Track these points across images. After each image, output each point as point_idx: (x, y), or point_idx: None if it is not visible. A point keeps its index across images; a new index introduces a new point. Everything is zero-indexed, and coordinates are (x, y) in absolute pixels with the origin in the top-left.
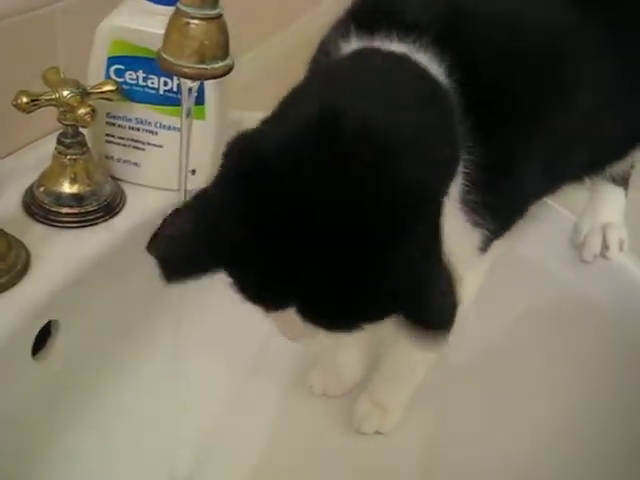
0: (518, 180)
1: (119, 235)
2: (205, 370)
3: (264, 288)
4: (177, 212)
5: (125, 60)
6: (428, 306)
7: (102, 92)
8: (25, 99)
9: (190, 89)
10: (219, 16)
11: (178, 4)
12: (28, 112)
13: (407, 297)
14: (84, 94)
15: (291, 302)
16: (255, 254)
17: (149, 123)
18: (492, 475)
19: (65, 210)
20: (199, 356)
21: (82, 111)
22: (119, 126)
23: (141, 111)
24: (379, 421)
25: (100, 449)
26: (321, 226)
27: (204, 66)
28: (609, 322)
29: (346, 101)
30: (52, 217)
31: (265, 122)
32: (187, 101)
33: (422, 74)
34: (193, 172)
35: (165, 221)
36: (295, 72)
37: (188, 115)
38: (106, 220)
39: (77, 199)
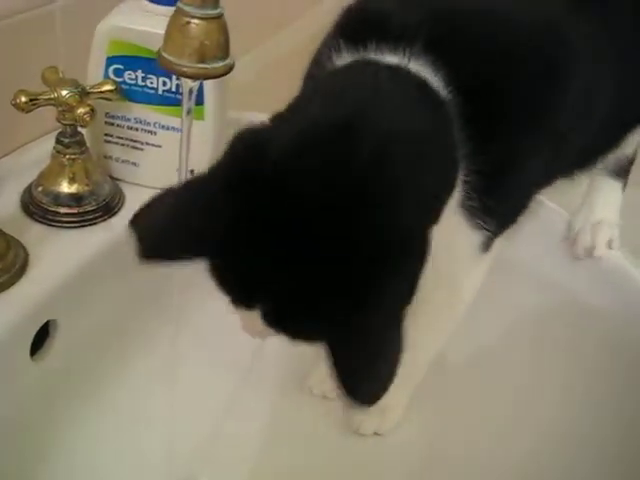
0: (518, 181)
1: (118, 235)
2: (203, 370)
3: (237, 284)
4: (168, 192)
5: (124, 60)
6: (360, 377)
7: (101, 92)
8: (24, 98)
9: (191, 89)
10: (220, 16)
11: (179, 4)
12: (27, 111)
13: (348, 350)
14: (83, 94)
15: (258, 304)
16: (236, 250)
17: (148, 123)
18: (492, 475)
19: (64, 210)
20: (197, 356)
21: (81, 110)
22: (118, 126)
23: (140, 111)
24: (378, 422)
25: (98, 449)
26: (306, 239)
27: (205, 66)
28: (607, 323)
29: (359, 119)
30: (50, 217)
31: (273, 121)
32: (188, 101)
33: (420, 87)
34: (192, 172)
35: (154, 198)
36: (295, 73)
37: (188, 114)
38: (105, 220)
39: (76, 199)
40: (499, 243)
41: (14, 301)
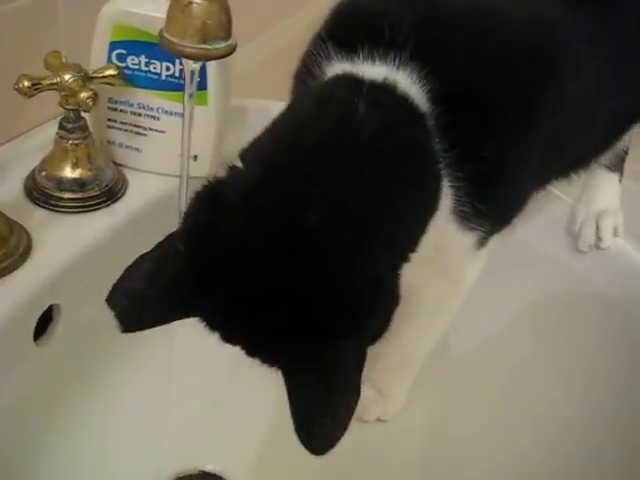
0: (509, 186)
1: (121, 220)
2: (207, 354)
3: (216, 331)
4: (137, 262)
5: (127, 45)
6: (314, 417)
7: (104, 77)
8: (27, 83)
9: (193, 70)
10: None
11: None
12: (30, 96)
13: (305, 386)
14: (86, 78)
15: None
16: (207, 307)
17: (151, 108)
18: (494, 462)
19: (67, 195)
20: (200, 341)
21: (84, 95)
22: (121, 111)
23: (143, 96)
24: (381, 409)
25: (101, 434)
26: (267, 292)
27: (206, 46)
28: (611, 309)
29: (315, 182)
30: (54, 202)
31: (241, 161)
32: (190, 82)
33: (399, 108)
34: (195, 158)
35: (128, 268)
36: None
37: (191, 97)
38: (108, 205)
39: (79, 184)
40: (496, 238)
41: (17, 285)
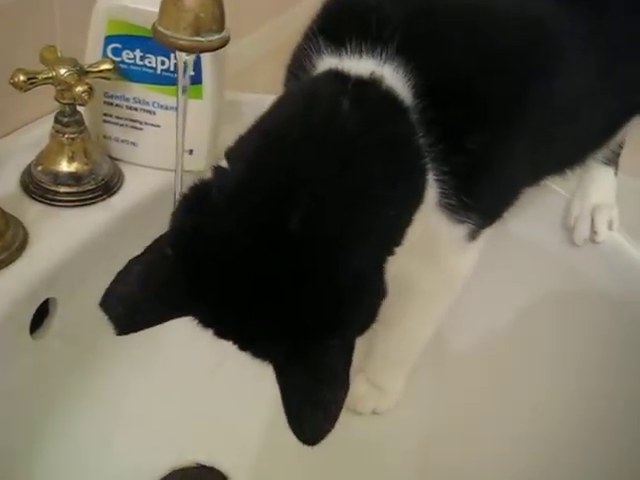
0: (496, 180)
1: (116, 214)
2: (205, 347)
3: (209, 327)
4: (128, 266)
5: (122, 39)
6: (306, 408)
7: (99, 71)
8: (22, 77)
9: (185, 63)
10: None
11: None
12: (25, 90)
13: (295, 379)
14: (81, 73)
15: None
16: (198, 306)
17: (146, 103)
18: (490, 455)
19: (63, 189)
20: (197, 337)
21: (79, 89)
22: (117, 106)
23: (138, 90)
24: (376, 401)
25: (98, 426)
26: (256, 289)
27: (199, 39)
28: (606, 303)
29: (299, 180)
30: (50, 196)
31: (218, 170)
32: (183, 75)
33: (384, 105)
34: (190, 152)
35: (118, 275)
36: None
37: (184, 90)
38: (104, 199)
39: (75, 178)
40: (488, 232)
41: (14, 279)
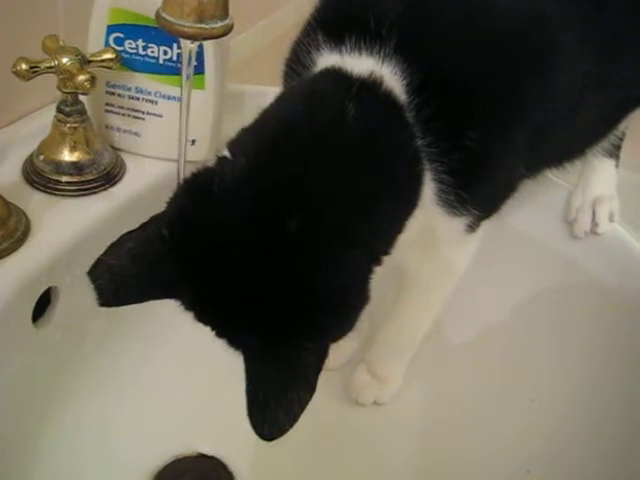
0: (494, 174)
1: (118, 204)
2: (205, 340)
3: (191, 310)
4: (121, 240)
5: (124, 28)
6: (268, 403)
7: (102, 60)
8: (25, 66)
9: (190, 51)
10: None
11: None
12: (28, 79)
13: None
14: (83, 62)
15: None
16: (185, 290)
17: (149, 92)
18: (489, 445)
19: (65, 178)
20: (199, 327)
21: (81, 78)
22: (119, 95)
23: (141, 80)
24: (377, 392)
25: (100, 415)
26: (243, 284)
27: (203, 25)
28: (606, 295)
29: (296, 182)
30: (52, 185)
31: (222, 160)
32: (187, 65)
33: (382, 108)
34: (193, 142)
35: (110, 247)
36: None
37: (188, 78)
38: (105, 189)
39: (77, 167)
40: (486, 223)
41: (16, 268)
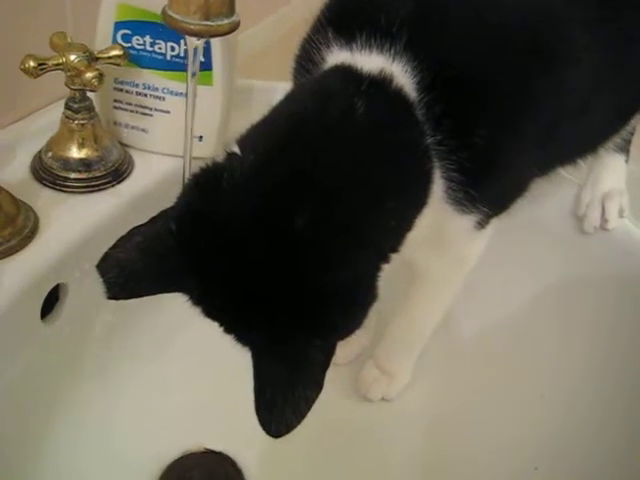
0: (504, 173)
1: (126, 200)
2: (211, 336)
3: (199, 305)
4: (131, 234)
5: (132, 25)
6: (276, 400)
7: (109, 57)
8: (32, 63)
9: (196, 48)
10: None
11: None
12: (36, 76)
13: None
14: (91, 59)
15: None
16: (191, 286)
17: (156, 89)
18: (497, 442)
19: (73, 175)
20: (205, 323)
21: (89, 75)
22: (126, 92)
23: (148, 77)
24: (385, 387)
25: (108, 411)
26: (251, 281)
27: (209, 23)
28: (617, 290)
29: (305, 179)
30: (60, 182)
31: (231, 156)
32: (192, 62)
33: (392, 106)
34: (200, 138)
35: (119, 241)
36: None
37: (194, 75)
38: (114, 185)
39: (85, 164)
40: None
41: (25, 264)
